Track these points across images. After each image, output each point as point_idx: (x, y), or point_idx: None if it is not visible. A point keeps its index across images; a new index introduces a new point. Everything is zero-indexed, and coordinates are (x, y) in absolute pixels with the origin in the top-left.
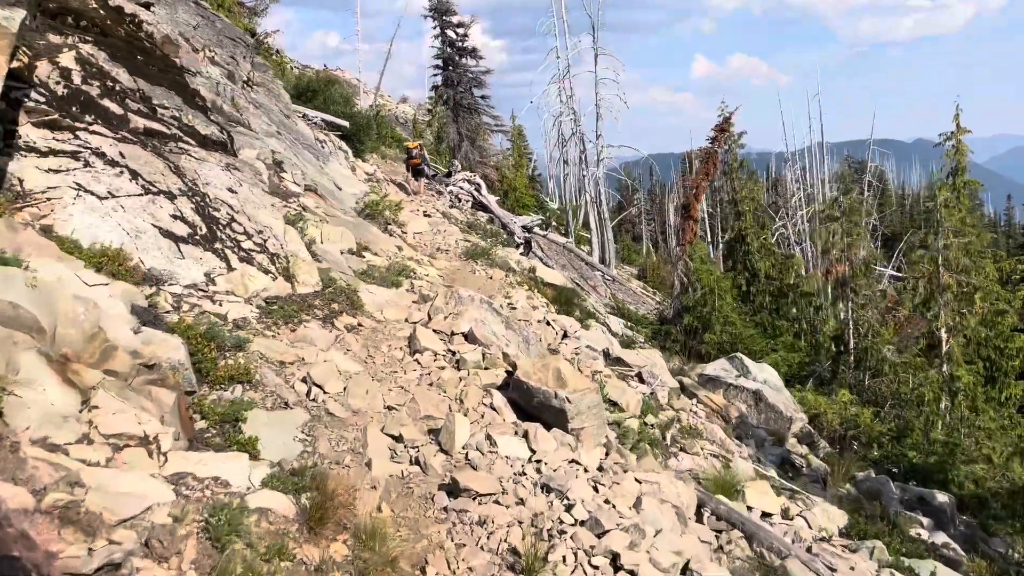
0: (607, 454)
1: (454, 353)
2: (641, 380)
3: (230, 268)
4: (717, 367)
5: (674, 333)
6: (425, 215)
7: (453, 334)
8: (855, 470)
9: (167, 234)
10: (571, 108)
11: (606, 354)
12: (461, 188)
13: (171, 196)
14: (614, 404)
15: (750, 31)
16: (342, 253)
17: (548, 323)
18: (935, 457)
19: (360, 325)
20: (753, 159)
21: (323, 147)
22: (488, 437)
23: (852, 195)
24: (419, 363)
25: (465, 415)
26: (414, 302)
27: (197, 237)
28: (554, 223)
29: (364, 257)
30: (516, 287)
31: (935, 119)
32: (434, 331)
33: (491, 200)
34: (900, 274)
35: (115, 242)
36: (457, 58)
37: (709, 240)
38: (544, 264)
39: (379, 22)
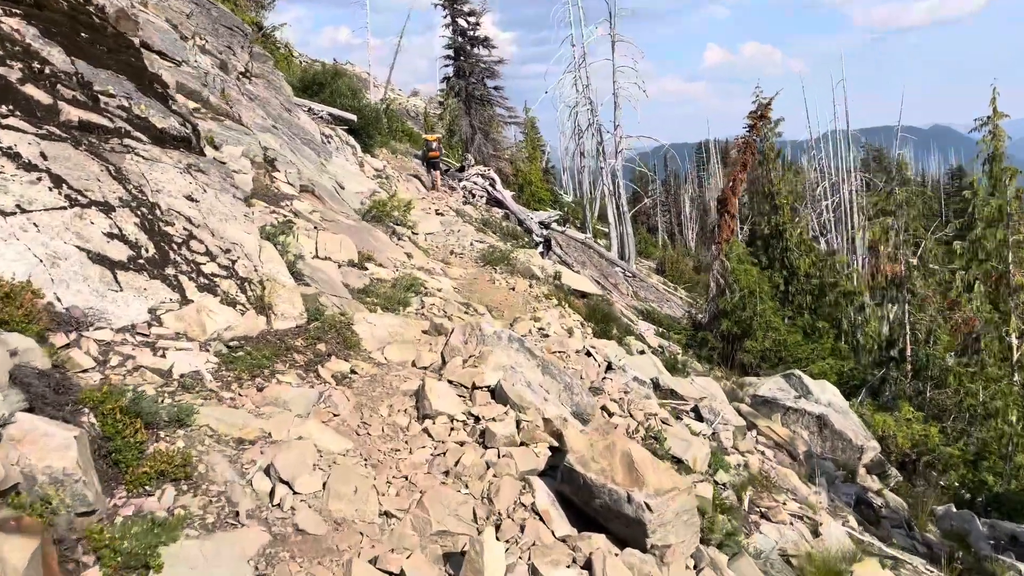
0: (698, 570)
1: (477, 420)
2: (699, 417)
3: (184, 300)
4: (772, 387)
5: (711, 340)
6: (438, 213)
7: (475, 388)
8: (932, 502)
9: (98, 259)
10: (587, 98)
11: (655, 385)
12: (475, 183)
13: (107, 208)
14: (678, 462)
15: (763, 17)
16: (340, 266)
17: (588, 352)
18: (1016, 483)
19: (353, 373)
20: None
21: (328, 142)
22: (533, 572)
23: (908, 187)
24: (430, 435)
25: (497, 527)
26: (424, 332)
27: (141, 261)
28: (570, 217)
29: (367, 269)
30: (543, 301)
31: (952, 105)
32: (449, 383)
33: (506, 195)
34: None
35: (20, 273)
36: (469, 48)
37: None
38: (564, 263)
39: (389, 17)
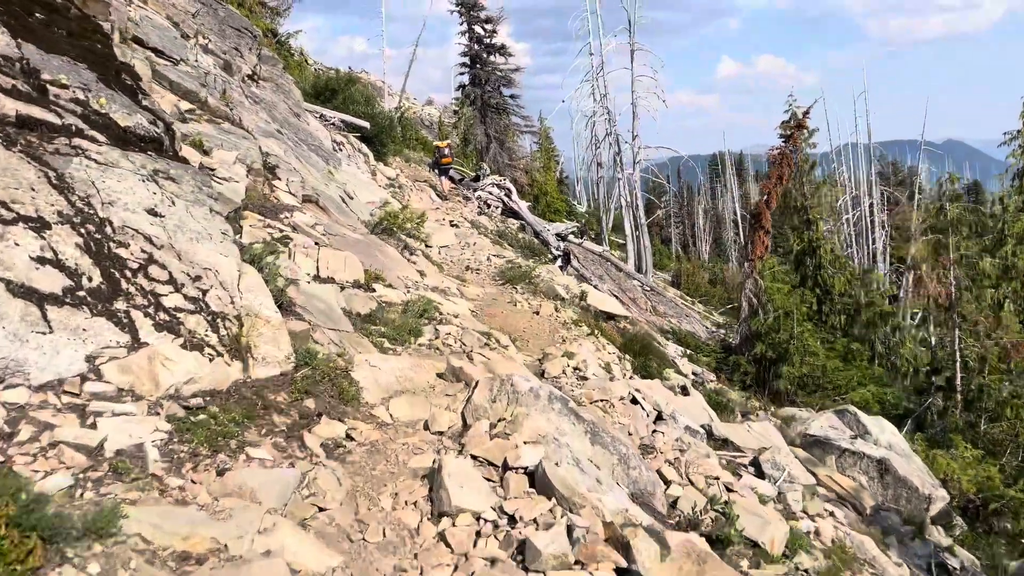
0: None
1: (512, 520)
2: (759, 472)
3: (136, 344)
4: (824, 425)
5: (744, 364)
6: (452, 225)
7: (507, 468)
8: (1005, 557)
9: (22, 291)
10: (605, 108)
11: (709, 433)
12: (490, 193)
13: (41, 225)
14: (753, 545)
15: (776, 30)
16: (343, 289)
17: (634, 399)
18: None
19: (349, 439)
20: None
21: (339, 150)
22: None
23: (960, 203)
24: (447, 545)
25: None
26: (439, 377)
27: (81, 293)
28: (588, 229)
29: (374, 291)
30: (572, 328)
31: (965, 119)
32: (473, 458)
33: (523, 206)
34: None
35: None
36: (485, 55)
37: (744, 245)
38: (582, 278)
39: (405, 26)
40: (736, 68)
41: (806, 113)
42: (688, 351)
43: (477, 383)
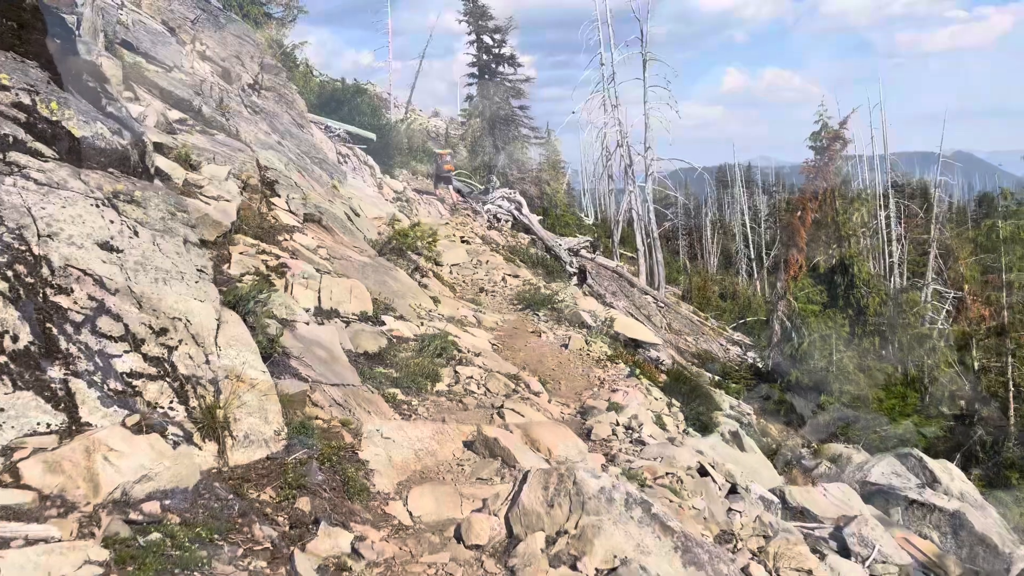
0: None
1: None
2: (844, 549)
3: (74, 425)
4: (886, 471)
5: (778, 393)
6: (463, 241)
7: None
8: None
9: None
10: (616, 119)
11: (782, 500)
12: (500, 207)
13: None
14: None
15: (782, 44)
16: (348, 324)
17: (703, 469)
18: None
19: (356, 555)
20: (787, 172)
21: (345, 162)
22: None
23: (1017, 219)
24: None
25: None
26: (467, 448)
27: (2, 359)
28: (600, 243)
29: (383, 324)
30: (608, 366)
31: (972, 131)
32: None
33: (534, 220)
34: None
35: None
36: (493, 66)
37: (753, 258)
38: (597, 295)
39: (411, 40)
40: (741, 80)
41: (843, 123)
42: (716, 377)
43: (526, 476)
